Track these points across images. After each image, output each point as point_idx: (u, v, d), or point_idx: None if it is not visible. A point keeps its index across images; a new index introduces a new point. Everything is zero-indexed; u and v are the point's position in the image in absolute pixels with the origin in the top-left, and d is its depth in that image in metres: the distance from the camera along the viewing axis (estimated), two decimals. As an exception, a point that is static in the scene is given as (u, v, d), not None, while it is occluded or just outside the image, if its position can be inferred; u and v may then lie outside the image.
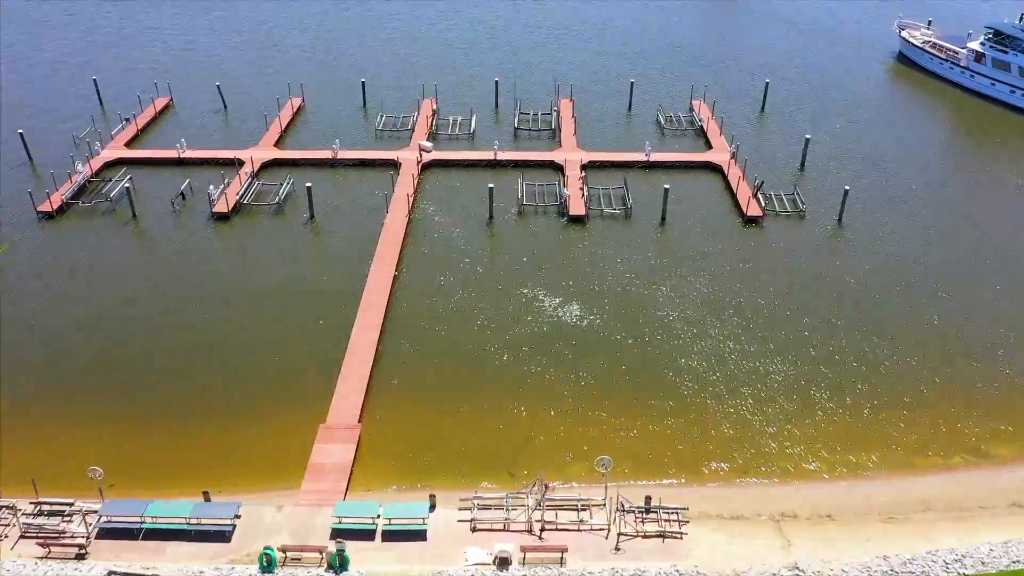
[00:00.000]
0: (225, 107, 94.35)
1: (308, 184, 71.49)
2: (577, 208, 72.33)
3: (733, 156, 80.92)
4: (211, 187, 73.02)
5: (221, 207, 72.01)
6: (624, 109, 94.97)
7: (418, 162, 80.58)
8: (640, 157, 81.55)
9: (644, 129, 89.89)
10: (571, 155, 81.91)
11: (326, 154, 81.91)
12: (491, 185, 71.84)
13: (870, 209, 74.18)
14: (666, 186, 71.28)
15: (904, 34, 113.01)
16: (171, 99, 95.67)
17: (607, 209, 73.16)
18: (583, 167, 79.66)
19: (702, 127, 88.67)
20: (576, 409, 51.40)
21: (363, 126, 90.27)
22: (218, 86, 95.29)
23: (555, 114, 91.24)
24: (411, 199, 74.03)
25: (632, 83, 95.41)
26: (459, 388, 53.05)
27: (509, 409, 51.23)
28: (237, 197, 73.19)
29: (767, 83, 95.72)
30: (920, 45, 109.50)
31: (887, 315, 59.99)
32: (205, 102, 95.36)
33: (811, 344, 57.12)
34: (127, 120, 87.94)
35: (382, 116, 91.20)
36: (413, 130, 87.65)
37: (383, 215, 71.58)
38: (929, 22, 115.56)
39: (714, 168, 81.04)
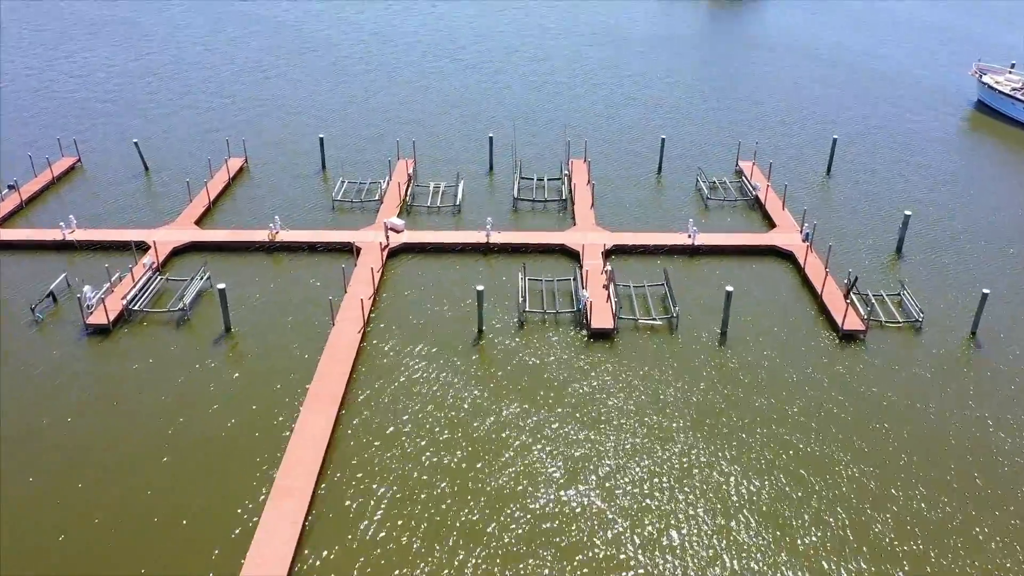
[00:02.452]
0: (146, 169, 74.19)
1: (221, 286, 50.56)
2: (602, 318, 51.36)
3: (807, 239, 60.39)
4: (87, 288, 52.15)
5: (99, 317, 51.10)
6: (653, 172, 74.66)
7: (384, 247, 59.98)
8: (682, 239, 60.94)
9: (681, 199, 69.44)
10: (590, 236, 61.28)
11: (262, 235, 61.34)
12: (480, 288, 50.84)
13: (1014, 312, 53.26)
14: (728, 288, 50.34)
15: (986, 79, 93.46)
16: (78, 160, 75.47)
17: (644, 319, 52.17)
18: (607, 254, 59.00)
19: (757, 197, 68.20)
20: None
21: (318, 195, 69.85)
22: (136, 143, 75.08)
23: (566, 180, 70.92)
24: (369, 303, 53.17)
25: (663, 139, 75.21)
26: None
27: None
28: (125, 301, 52.28)
29: (835, 140, 75.38)
30: (1009, 93, 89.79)
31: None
32: (121, 164, 75.17)
33: None
34: (10, 187, 67.57)
35: (343, 182, 70.92)
36: (381, 201, 67.19)
37: (328, 328, 50.69)
38: (1012, 65, 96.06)
39: (781, 254, 60.32)
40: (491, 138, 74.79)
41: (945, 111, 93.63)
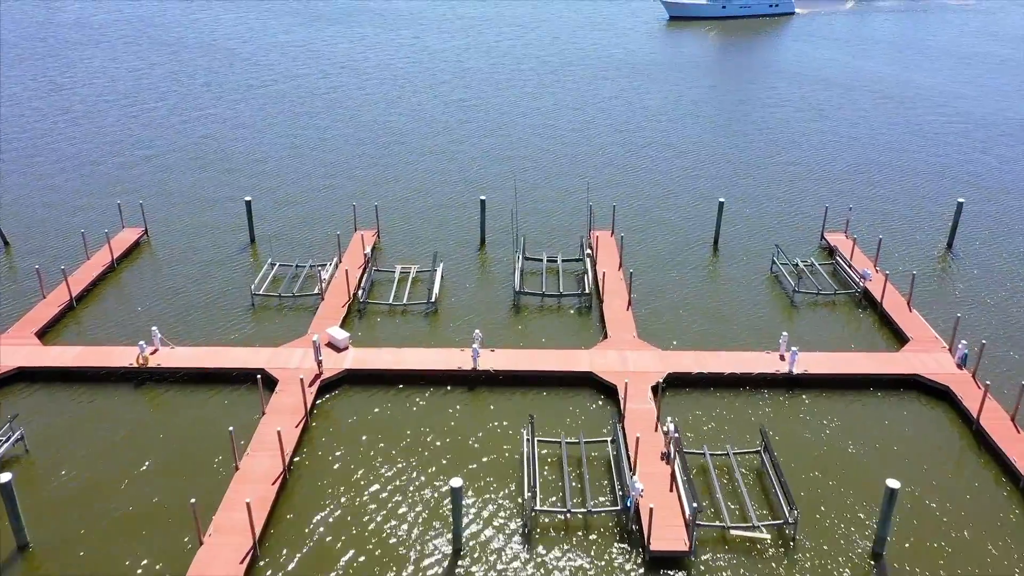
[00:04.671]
0: (6, 244, 53.35)
1: (6, 478, 29.16)
2: (668, 531, 29.79)
3: (963, 363, 39.39)
4: None
5: None
6: (707, 249, 53.77)
7: (317, 376, 38.79)
8: (771, 362, 39.83)
9: (755, 292, 48.42)
10: (632, 359, 40.09)
11: (129, 357, 40.11)
12: (456, 482, 29.37)
13: None
14: (891, 484, 28.89)
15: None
16: (-89, 232, 54.61)
17: (738, 528, 30.63)
18: (659, 389, 37.67)
19: (866, 289, 47.22)
20: None
21: (235, 285, 48.70)
22: (-13, 210, 54.50)
23: (589, 262, 49.94)
24: (274, 492, 31.74)
25: (721, 203, 54.36)
26: None
27: None
28: None
29: (960, 204, 54.50)
30: None
31: None
32: (-32, 237, 54.37)
33: None
34: None
35: (272, 265, 50.03)
36: (322, 296, 46.08)
37: (194, 547, 29.23)
38: None
39: (929, 388, 39.15)
40: (483, 201, 53.91)
41: (1063, 161, 73.39)
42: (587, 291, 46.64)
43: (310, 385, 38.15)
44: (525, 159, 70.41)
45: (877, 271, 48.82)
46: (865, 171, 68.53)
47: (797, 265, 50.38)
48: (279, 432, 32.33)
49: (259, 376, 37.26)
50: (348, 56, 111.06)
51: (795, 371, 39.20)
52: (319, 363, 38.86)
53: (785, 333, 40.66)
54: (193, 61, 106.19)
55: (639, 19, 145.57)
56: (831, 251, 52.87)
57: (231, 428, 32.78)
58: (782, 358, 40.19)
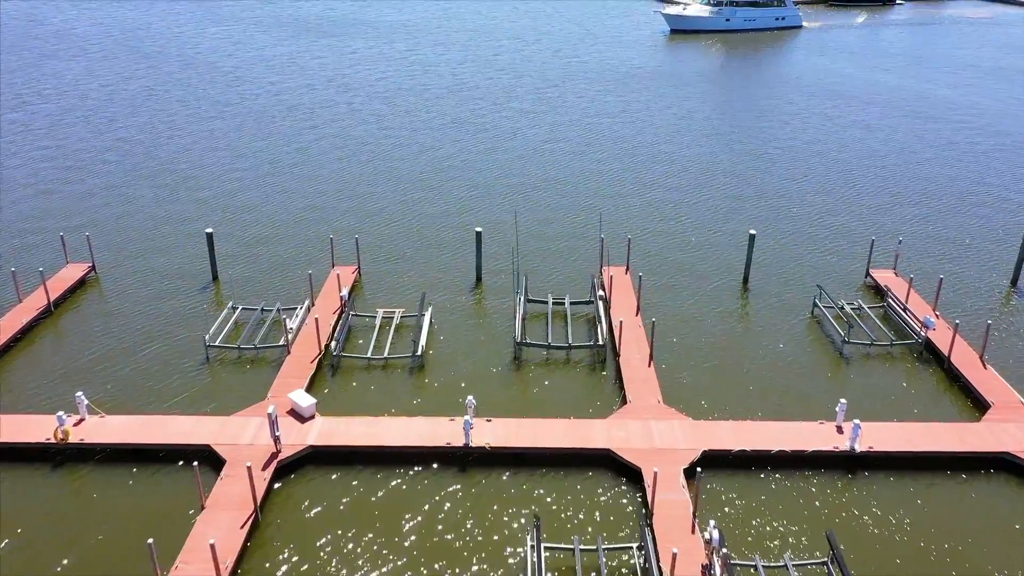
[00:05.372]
0: (-71, 284, 46.38)
1: None
2: None
3: (1065, 439, 32.48)
4: None
5: None
6: (735, 287, 46.79)
7: (273, 455, 31.68)
8: (828, 437, 32.76)
9: (796, 338, 41.36)
10: (658, 432, 32.96)
11: (49, 428, 32.96)
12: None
13: None
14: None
15: None
16: None
17: None
18: (692, 472, 30.46)
19: (928, 339, 40.18)
20: None
21: (190, 333, 41.58)
22: (-96, 244, 47.46)
23: (601, 305, 42.84)
24: (207, 622, 24.70)
25: (752, 236, 47.35)
26: None
27: None
28: None
29: (1027, 237, 47.73)
30: None
31: None
32: None
33: None
34: None
35: (235, 310, 43.02)
36: (288, 348, 38.98)
37: None
38: None
39: (1017, 467, 32.08)
40: (478, 234, 46.91)
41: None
42: (600, 342, 39.56)
43: (264, 468, 31.04)
44: (526, 184, 63.53)
45: (937, 316, 41.85)
46: (905, 195, 61.72)
47: (843, 308, 43.38)
48: (212, 546, 25.20)
49: (196, 464, 29.99)
50: (337, 70, 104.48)
51: (858, 448, 32.13)
52: (276, 440, 31.73)
53: (843, 400, 33.56)
54: (171, 75, 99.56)
55: (641, 32, 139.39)
56: (880, 291, 45.87)
57: (150, 541, 25.59)
58: (840, 430, 33.17)
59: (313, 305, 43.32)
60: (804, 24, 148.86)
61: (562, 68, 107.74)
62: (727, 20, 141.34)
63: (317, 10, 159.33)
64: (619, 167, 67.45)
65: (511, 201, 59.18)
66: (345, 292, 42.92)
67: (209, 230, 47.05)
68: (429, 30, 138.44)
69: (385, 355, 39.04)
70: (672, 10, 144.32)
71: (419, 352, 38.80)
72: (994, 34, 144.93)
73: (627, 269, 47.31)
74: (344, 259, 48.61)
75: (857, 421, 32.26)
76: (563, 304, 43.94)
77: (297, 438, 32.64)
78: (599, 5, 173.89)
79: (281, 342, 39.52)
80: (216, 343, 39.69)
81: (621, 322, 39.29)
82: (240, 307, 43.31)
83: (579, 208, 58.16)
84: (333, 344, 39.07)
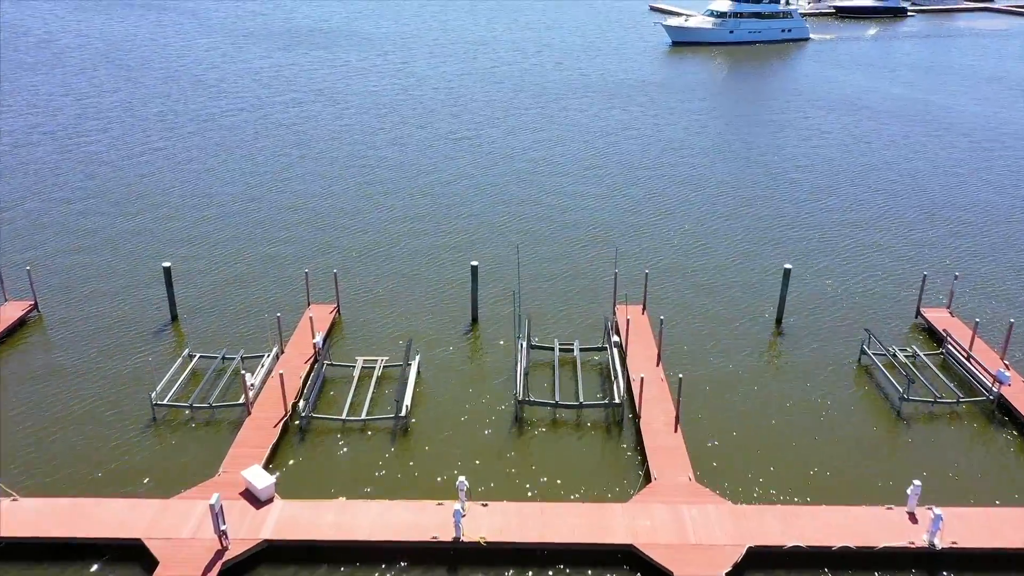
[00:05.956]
0: None
1: None
2: None
3: None
4: None
5: None
6: (770, 334, 40.83)
7: (218, 553, 25.66)
8: (900, 529, 26.76)
9: (843, 393, 35.35)
10: (690, 525, 26.90)
11: (-53, 518, 27.11)
12: None
13: None
14: None
15: None
16: None
17: None
18: (739, 573, 24.71)
19: (1001, 395, 34.21)
20: None
21: (138, 389, 35.54)
22: None
23: (617, 353, 36.84)
24: None
25: (788, 271, 41.43)
26: None
27: None
28: None
29: (1101, 272, 41.88)
30: None
31: None
32: None
33: None
34: None
35: (192, 358, 37.13)
36: (248, 409, 32.96)
37: None
38: None
39: None
40: (474, 268, 41.05)
41: None
42: (617, 400, 33.60)
43: (206, 571, 25.05)
44: (528, 210, 57.76)
45: (1007, 367, 35.94)
46: (951, 222, 55.94)
47: (896, 356, 37.50)
48: None
49: (140, 543, 24.05)
50: (326, 83, 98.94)
51: (939, 544, 26.16)
52: (221, 536, 25.75)
53: (917, 483, 27.57)
54: (152, 88, 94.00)
55: (643, 44, 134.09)
56: (934, 334, 39.98)
57: None
58: (913, 519, 27.21)
59: (283, 352, 37.45)
60: (812, 36, 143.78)
61: (563, 81, 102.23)
62: (731, 32, 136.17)
63: (310, 22, 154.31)
64: (630, 190, 61.66)
65: (511, 230, 53.37)
66: (319, 339, 36.98)
67: (167, 264, 41.13)
68: (425, 42, 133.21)
69: (363, 416, 33.09)
70: (673, 21, 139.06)
71: (403, 412, 32.86)
72: (1012, 47, 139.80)
73: (644, 308, 41.43)
74: (321, 295, 42.76)
75: (935, 509, 26.32)
76: (572, 350, 38.05)
77: (250, 530, 26.65)
78: (600, 17, 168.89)
79: (241, 400, 33.59)
80: (164, 401, 33.72)
81: (642, 378, 33.27)
82: (198, 355, 37.41)
83: (588, 238, 52.29)
84: (302, 404, 33.13)
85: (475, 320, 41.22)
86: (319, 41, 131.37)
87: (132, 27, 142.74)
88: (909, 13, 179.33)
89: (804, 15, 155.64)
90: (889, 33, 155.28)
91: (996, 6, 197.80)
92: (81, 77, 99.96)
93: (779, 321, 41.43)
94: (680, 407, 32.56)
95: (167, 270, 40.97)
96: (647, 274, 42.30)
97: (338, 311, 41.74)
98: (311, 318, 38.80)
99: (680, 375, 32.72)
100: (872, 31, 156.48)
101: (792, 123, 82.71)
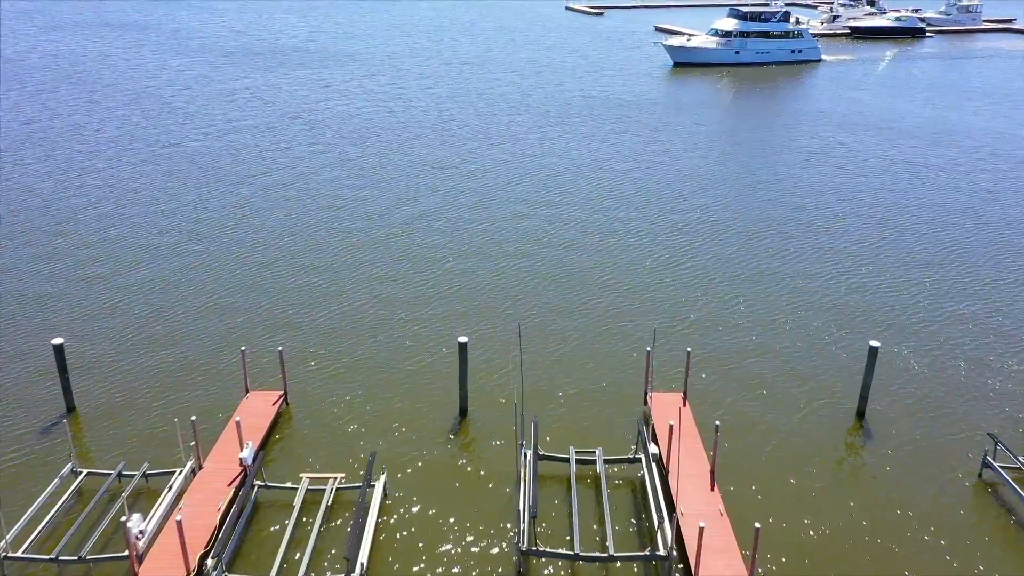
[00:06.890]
0: None
1: None
2: None
3: None
4: None
5: None
6: (847, 423, 30.93)
7: None
8: None
9: (965, 524, 25.45)
10: None
11: None
12: None
13: None
14: None
15: None
16: None
17: None
18: None
19: None
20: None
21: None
22: None
23: (656, 470, 26.89)
24: None
25: (874, 349, 31.53)
26: None
27: None
28: None
29: None
30: None
31: None
32: None
33: None
34: None
35: (77, 476, 27.16)
36: (135, 569, 22.90)
37: None
38: None
39: None
40: (462, 345, 31.13)
41: None
42: (663, 552, 23.66)
43: None
44: (530, 267, 47.98)
45: None
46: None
47: (1020, 467, 27.77)
48: None
49: None
50: (303, 106, 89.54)
51: None
52: None
53: None
54: (111, 111, 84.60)
55: (644, 65, 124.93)
56: (1079, 440, 30.25)
57: None
58: None
59: (201, 467, 27.54)
60: (824, 57, 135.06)
61: (564, 104, 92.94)
62: (737, 52, 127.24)
63: (296, 41, 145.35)
64: (651, 238, 51.86)
65: (509, 296, 43.36)
66: (247, 453, 27.00)
67: (57, 340, 31.25)
68: (416, 62, 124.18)
69: (302, 572, 23.15)
70: (675, 41, 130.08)
71: (357, 569, 22.93)
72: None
73: (685, 397, 31.63)
74: (262, 380, 32.92)
75: None
76: (593, 462, 28.20)
77: None
78: (604, 41, 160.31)
79: (125, 553, 23.62)
80: (20, 553, 23.73)
81: (702, 528, 23.19)
82: (85, 471, 27.50)
83: (610, 306, 42.32)
84: (211, 562, 23.15)
85: (464, 414, 31.35)
86: (303, 61, 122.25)
87: (105, 47, 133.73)
88: (928, 34, 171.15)
89: (816, 36, 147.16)
90: (908, 53, 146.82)
91: (1017, 26, 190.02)
92: (36, 98, 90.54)
93: (860, 413, 31.64)
94: (755, 563, 22.62)
95: (58, 348, 31.07)
96: (689, 352, 32.43)
97: (285, 400, 31.88)
98: (237, 423, 28.53)
99: (757, 525, 22.74)
100: (890, 53, 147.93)
101: (826, 149, 73.28)
